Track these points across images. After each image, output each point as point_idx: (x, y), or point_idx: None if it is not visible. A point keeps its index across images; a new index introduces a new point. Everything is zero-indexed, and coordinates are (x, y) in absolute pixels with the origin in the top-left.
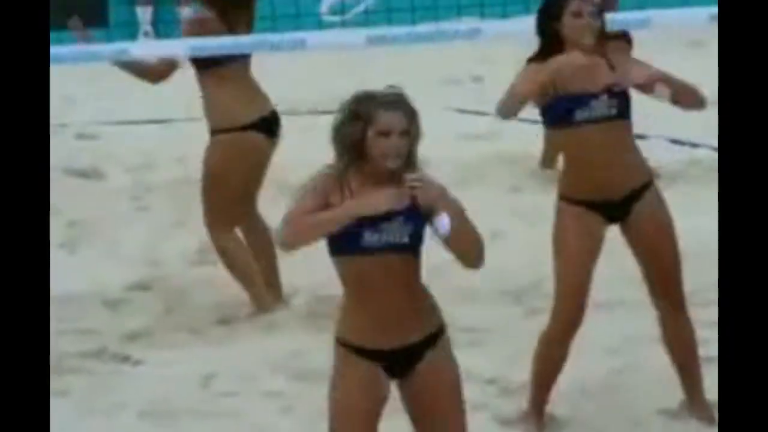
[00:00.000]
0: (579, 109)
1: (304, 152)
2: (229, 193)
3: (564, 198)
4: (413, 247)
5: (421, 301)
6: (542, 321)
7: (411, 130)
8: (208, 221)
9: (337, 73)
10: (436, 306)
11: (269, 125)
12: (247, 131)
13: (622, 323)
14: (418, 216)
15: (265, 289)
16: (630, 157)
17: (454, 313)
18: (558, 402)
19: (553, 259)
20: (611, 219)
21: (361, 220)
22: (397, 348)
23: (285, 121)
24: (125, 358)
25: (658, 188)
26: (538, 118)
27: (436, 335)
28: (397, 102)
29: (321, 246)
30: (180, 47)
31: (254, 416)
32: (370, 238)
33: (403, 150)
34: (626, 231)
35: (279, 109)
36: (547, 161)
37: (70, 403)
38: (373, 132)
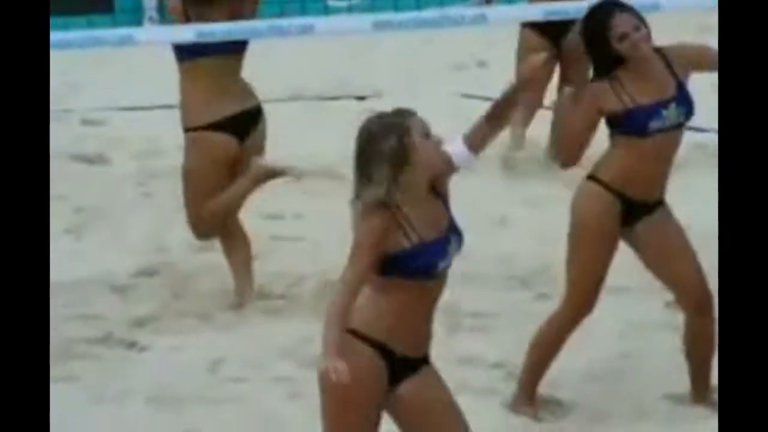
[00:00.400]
0: (652, 121)
1: (311, 138)
2: (199, 191)
3: (598, 181)
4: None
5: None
6: (549, 306)
7: None
8: (188, 219)
9: (343, 58)
10: None
11: (236, 125)
12: (208, 131)
13: (628, 308)
14: (460, 233)
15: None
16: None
17: (461, 298)
18: (564, 386)
19: (570, 242)
20: (626, 219)
21: (430, 248)
22: (414, 356)
23: (291, 107)
24: (132, 344)
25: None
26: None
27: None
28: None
29: (326, 233)
30: (188, 33)
31: (262, 402)
32: (441, 263)
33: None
34: (634, 238)
35: (285, 95)
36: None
37: (78, 389)
38: (418, 137)
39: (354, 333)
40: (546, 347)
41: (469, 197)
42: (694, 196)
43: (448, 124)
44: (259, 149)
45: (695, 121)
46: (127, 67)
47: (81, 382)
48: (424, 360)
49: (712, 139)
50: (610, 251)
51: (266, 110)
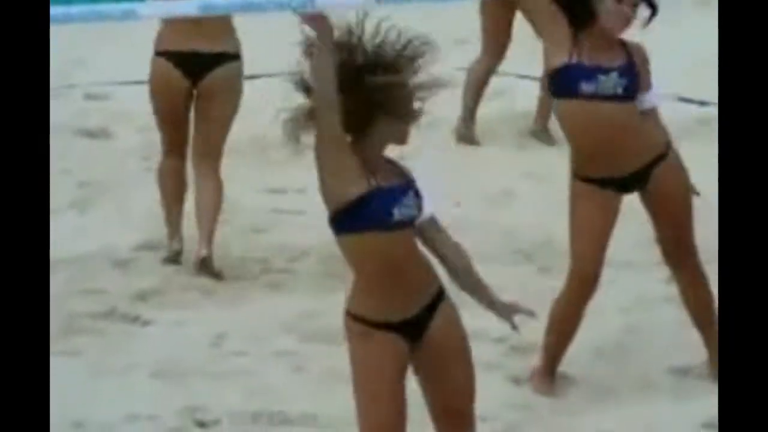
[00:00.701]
0: (585, 82)
1: None
2: (155, 111)
3: (576, 176)
4: (415, 218)
5: (424, 260)
6: (553, 279)
7: None
8: None
9: None
10: (428, 259)
11: (186, 63)
12: (160, 57)
13: (633, 283)
14: (420, 195)
15: (176, 226)
16: (636, 137)
17: None
18: (569, 361)
19: (570, 228)
20: (625, 189)
21: (384, 193)
22: (418, 312)
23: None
24: (135, 319)
25: (677, 155)
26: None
27: (441, 289)
28: None
29: None
30: (190, 7)
31: (265, 376)
32: (396, 211)
33: None
34: (644, 197)
35: (284, 69)
36: (540, 126)
37: (81, 364)
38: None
39: (355, 318)
40: (561, 324)
41: (473, 171)
42: (698, 170)
43: (449, 97)
44: (220, 97)
45: (698, 94)
46: (130, 41)
47: (84, 357)
48: (440, 297)
49: (714, 113)
50: (602, 240)
51: (264, 85)
